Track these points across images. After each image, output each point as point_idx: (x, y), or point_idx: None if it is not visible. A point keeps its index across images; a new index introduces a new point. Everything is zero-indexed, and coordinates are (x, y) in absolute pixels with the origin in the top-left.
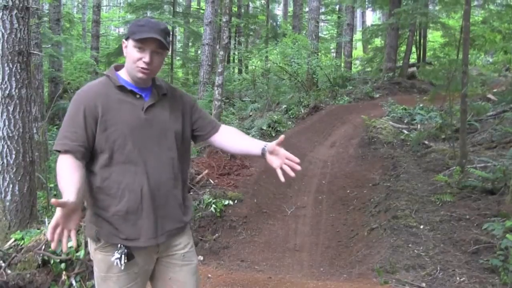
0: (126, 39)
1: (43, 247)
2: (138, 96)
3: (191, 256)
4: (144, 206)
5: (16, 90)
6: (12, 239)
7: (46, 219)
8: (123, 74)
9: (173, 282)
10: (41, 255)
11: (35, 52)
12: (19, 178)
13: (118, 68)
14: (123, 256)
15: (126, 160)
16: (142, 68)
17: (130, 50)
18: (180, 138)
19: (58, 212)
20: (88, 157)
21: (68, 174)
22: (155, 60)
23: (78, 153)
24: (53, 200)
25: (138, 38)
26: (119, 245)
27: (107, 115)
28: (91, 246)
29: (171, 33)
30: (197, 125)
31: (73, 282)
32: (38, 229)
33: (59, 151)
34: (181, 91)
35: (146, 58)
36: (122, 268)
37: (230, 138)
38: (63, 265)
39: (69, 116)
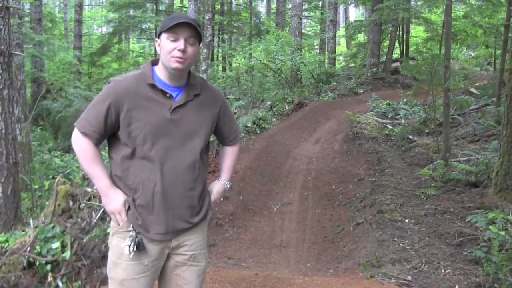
0: (158, 37)
1: (28, 249)
2: (168, 95)
3: (200, 258)
4: (155, 203)
5: None
6: None
7: (30, 221)
8: (158, 70)
9: (178, 278)
10: (26, 257)
11: (16, 52)
12: (3, 180)
13: (155, 62)
14: (132, 244)
15: (144, 157)
16: (177, 57)
17: (164, 42)
18: (206, 139)
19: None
20: (101, 142)
21: (97, 163)
22: (188, 49)
23: (93, 139)
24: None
25: (171, 26)
26: (131, 233)
27: (133, 111)
28: (111, 231)
29: (156, 32)
30: (217, 132)
31: (59, 284)
32: (23, 231)
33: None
34: (217, 92)
35: (181, 45)
36: (131, 256)
37: (224, 152)
38: (49, 267)
39: (96, 102)
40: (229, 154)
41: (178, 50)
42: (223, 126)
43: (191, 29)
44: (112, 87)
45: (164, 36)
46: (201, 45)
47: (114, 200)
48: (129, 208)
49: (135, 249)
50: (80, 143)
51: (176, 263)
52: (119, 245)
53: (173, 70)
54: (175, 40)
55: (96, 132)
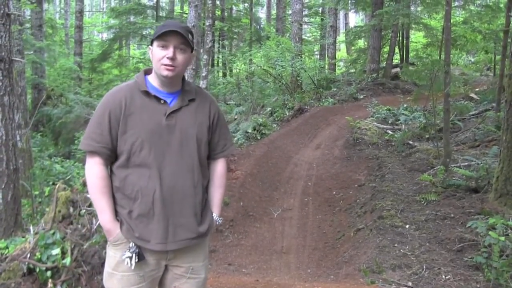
0: (151, 44)
1: (28, 255)
2: (162, 101)
3: (199, 270)
4: (156, 210)
5: None
6: None
7: (31, 227)
8: (152, 78)
9: None
10: (26, 263)
11: (17, 58)
12: (3, 186)
13: (148, 72)
14: (134, 255)
15: (141, 164)
16: (166, 65)
17: (154, 50)
18: (203, 145)
19: None
20: (113, 158)
21: (104, 195)
22: (178, 57)
23: (103, 155)
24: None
25: (160, 34)
26: (131, 244)
27: (128, 118)
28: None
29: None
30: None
31: None
32: (23, 237)
33: (85, 151)
34: (212, 99)
35: (170, 53)
36: (132, 267)
37: (211, 180)
38: (49, 273)
39: (96, 118)
40: (219, 186)
41: (167, 58)
42: (212, 135)
43: (180, 37)
44: (107, 100)
45: (155, 43)
46: (201, 50)
47: (114, 234)
48: (121, 223)
49: (136, 260)
50: (91, 168)
51: (174, 275)
52: (114, 256)
53: (164, 78)
54: (164, 48)
55: (104, 147)
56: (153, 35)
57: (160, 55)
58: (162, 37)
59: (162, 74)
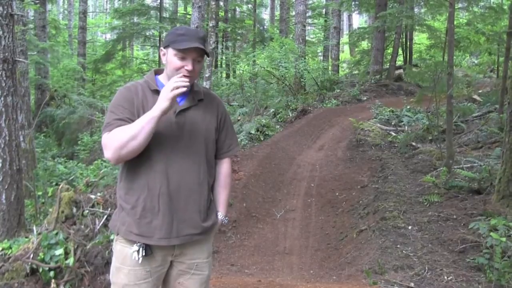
0: (165, 47)
1: (32, 255)
2: None
3: (203, 267)
4: (161, 206)
5: (2, 98)
6: None
7: (34, 228)
8: (162, 78)
9: (181, 287)
10: (29, 263)
11: (20, 59)
12: (6, 187)
13: (158, 72)
14: (141, 249)
15: (149, 159)
16: (184, 76)
17: (171, 58)
18: (210, 143)
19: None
20: None
21: (127, 126)
22: (196, 67)
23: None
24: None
25: (181, 49)
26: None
27: (140, 112)
28: (114, 236)
29: (160, 39)
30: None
31: None
32: (26, 237)
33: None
34: (219, 100)
35: (189, 66)
36: (140, 261)
37: (217, 180)
38: (52, 273)
39: (113, 106)
40: (224, 186)
41: (186, 69)
42: (219, 134)
43: (200, 50)
44: (123, 90)
45: (171, 51)
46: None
47: (158, 106)
48: (123, 223)
49: (144, 254)
50: (112, 132)
51: (179, 271)
52: (123, 250)
53: None
54: (183, 59)
55: (128, 118)
56: (169, 40)
57: (177, 65)
58: (182, 50)
59: None
